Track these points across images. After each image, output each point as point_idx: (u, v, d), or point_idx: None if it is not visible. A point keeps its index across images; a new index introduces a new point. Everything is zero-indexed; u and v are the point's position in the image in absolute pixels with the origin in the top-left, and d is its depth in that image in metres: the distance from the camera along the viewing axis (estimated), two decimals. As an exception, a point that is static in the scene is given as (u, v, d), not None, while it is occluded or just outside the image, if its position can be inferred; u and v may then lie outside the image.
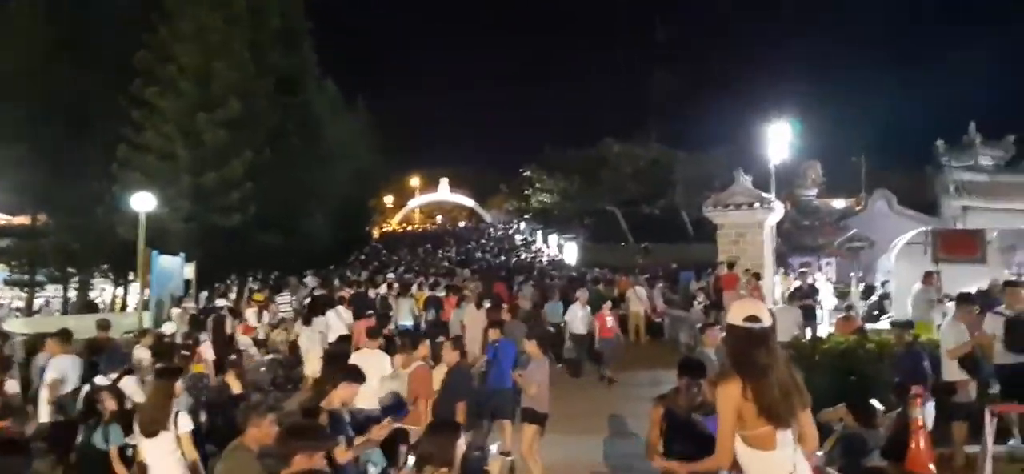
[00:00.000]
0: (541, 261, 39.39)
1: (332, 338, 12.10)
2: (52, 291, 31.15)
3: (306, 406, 5.93)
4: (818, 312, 16.08)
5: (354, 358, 8.06)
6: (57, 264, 29.19)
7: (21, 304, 29.56)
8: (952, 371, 8.41)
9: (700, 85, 63.15)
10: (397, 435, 6.12)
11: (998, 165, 20.54)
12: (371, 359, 8.15)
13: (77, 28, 26.86)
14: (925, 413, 7.44)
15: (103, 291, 33.14)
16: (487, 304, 13.90)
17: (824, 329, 15.00)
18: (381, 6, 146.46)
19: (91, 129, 26.72)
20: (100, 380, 7.85)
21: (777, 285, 18.60)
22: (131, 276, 24.75)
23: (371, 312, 14.18)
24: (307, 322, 13.59)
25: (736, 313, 3.89)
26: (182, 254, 22.17)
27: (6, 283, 29.73)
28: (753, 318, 3.81)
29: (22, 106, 26.52)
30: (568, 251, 43.87)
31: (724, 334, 4.49)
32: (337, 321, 13.44)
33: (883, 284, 18.95)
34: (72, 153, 26.76)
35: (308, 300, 17.24)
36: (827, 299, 18.46)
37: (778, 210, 19.62)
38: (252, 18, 29.10)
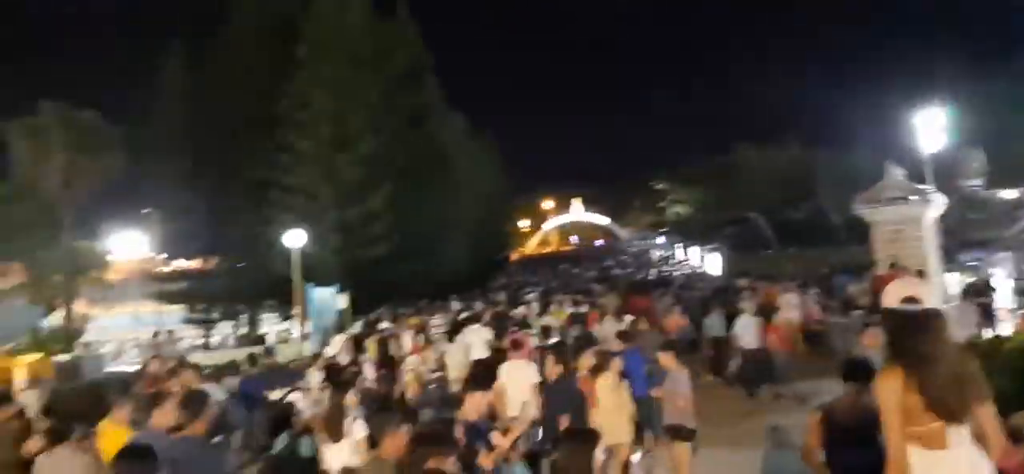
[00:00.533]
0: (681, 274, 38.22)
1: (474, 355, 12.13)
2: (225, 327, 33.95)
3: (439, 418, 5.91)
4: (996, 310, 14.42)
5: (503, 370, 8.23)
6: (227, 302, 31.79)
7: (202, 341, 32.41)
8: None
9: (840, 79, 59.48)
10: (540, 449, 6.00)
11: None
12: (518, 370, 8.25)
13: (221, 82, 29.46)
14: None
15: (271, 325, 35.70)
16: (628, 318, 13.44)
17: (1005, 329, 13.47)
18: (502, 38, 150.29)
19: (239, 176, 29.06)
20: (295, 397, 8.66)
21: (948, 284, 16.95)
22: (293, 310, 26.53)
23: (515, 328, 13.97)
24: (451, 339, 14.00)
25: (892, 295, 3.45)
26: (336, 285, 23.39)
27: (185, 322, 32.72)
28: (911, 299, 3.37)
29: (180, 159, 29.48)
30: (711, 262, 42.18)
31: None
32: (477, 338, 13.40)
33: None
34: (225, 199, 29.25)
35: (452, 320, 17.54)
36: (1005, 295, 16.56)
37: (938, 202, 18.12)
38: (378, 60, 30.70)
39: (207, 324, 32.38)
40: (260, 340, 30.70)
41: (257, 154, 28.58)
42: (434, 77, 39.58)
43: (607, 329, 13.03)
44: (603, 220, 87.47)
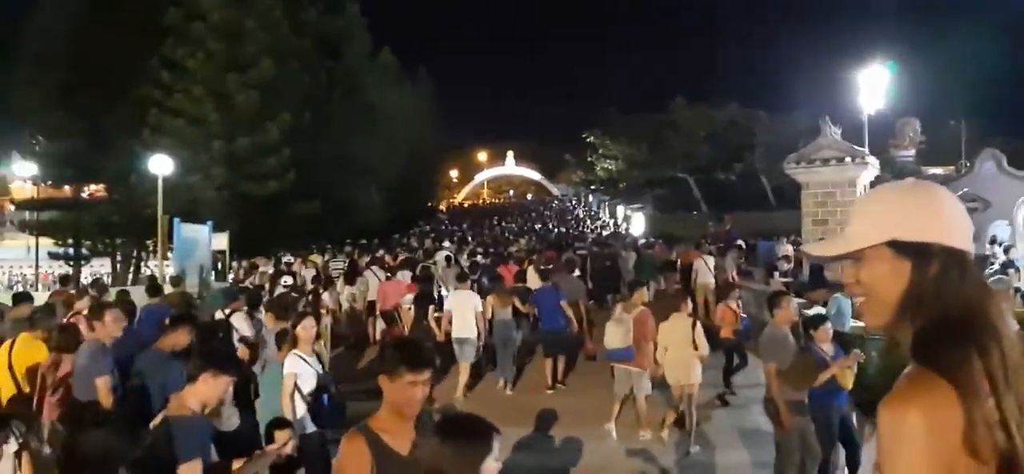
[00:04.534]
0: (598, 232, 36.85)
1: (371, 296, 13.35)
2: (102, 266, 30.61)
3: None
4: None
5: (449, 299, 10.17)
6: (100, 237, 28.45)
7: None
8: None
9: (781, 40, 58.65)
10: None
11: None
12: (463, 297, 9.86)
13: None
14: None
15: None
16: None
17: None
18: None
19: (126, 96, 25.60)
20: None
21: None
22: (152, 245, 23.55)
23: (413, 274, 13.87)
24: (350, 282, 14.37)
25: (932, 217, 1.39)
26: (210, 222, 20.65)
27: (51, 256, 29.28)
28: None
29: (57, 73, 25.78)
30: (635, 222, 40.94)
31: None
32: (374, 281, 13.92)
33: (1006, 250, 15.77)
34: (108, 121, 25.76)
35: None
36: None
37: (874, 166, 17.00)
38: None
39: (75, 260, 28.95)
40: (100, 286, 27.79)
41: (147, 71, 25.20)
42: (357, 5, 36.63)
43: (532, 276, 12.83)
44: (535, 175, 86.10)
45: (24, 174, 32.88)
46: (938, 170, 33.74)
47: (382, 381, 2.74)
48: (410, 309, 11.18)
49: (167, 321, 5.94)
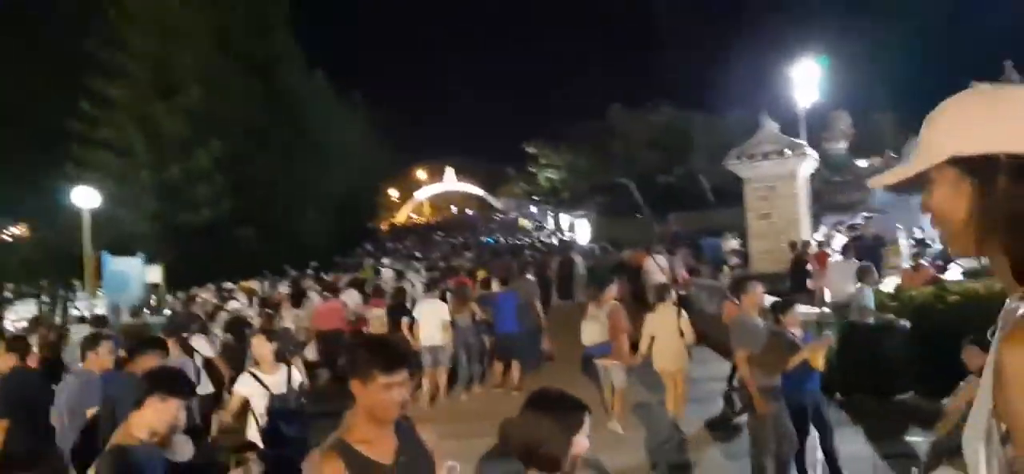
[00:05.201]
0: (543, 242, 36.90)
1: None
2: (23, 308, 28.87)
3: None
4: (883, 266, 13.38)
5: (418, 307, 10.30)
6: (23, 278, 26.87)
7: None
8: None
9: (714, 42, 59.92)
10: None
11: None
12: (431, 306, 10.09)
13: (23, 21, 24.45)
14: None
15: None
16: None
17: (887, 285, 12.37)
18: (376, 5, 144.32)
19: (47, 131, 24.32)
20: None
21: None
22: (78, 282, 22.37)
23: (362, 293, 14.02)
24: (296, 304, 13.99)
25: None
26: (141, 255, 19.75)
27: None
28: None
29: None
30: (580, 229, 41.07)
31: None
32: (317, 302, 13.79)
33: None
34: (29, 158, 24.39)
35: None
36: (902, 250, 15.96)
37: (812, 158, 17.45)
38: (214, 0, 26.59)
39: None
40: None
41: (66, 103, 23.94)
42: (290, 28, 35.82)
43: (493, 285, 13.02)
44: (477, 190, 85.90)
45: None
46: (864, 162, 34.99)
47: (354, 386, 2.47)
48: (383, 324, 11.05)
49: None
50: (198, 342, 7.72)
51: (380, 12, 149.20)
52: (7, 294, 27.44)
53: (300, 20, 36.61)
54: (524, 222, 55.45)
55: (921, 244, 15.93)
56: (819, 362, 6.03)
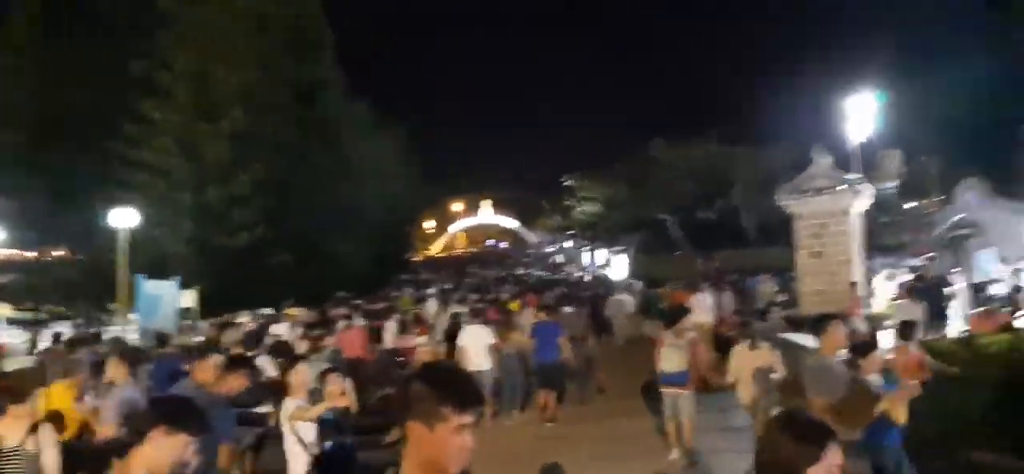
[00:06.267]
0: (576, 277, 36.25)
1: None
2: (64, 328, 29.01)
3: None
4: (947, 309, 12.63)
5: (462, 334, 10.45)
6: (60, 299, 27.02)
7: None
8: None
9: (764, 74, 59.04)
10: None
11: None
12: (476, 332, 10.33)
13: (77, 44, 24.94)
14: None
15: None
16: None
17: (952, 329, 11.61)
18: (422, 32, 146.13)
19: (91, 152, 24.59)
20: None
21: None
22: (113, 305, 22.35)
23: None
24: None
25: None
26: (177, 278, 19.58)
27: (9, 323, 27.71)
28: None
29: (22, 130, 24.73)
30: (617, 264, 40.25)
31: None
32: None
33: (1017, 273, 15.28)
34: (73, 179, 24.69)
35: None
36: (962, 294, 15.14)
37: (867, 194, 16.64)
38: (260, 23, 26.73)
39: (35, 325, 27.40)
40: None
41: (113, 125, 24.22)
42: (334, 54, 36.10)
43: (526, 317, 12.95)
44: (512, 223, 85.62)
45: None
46: (914, 203, 33.87)
47: (414, 430, 1.99)
48: (429, 352, 10.77)
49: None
50: (263, 362, 7.61)
51: (424, 44, 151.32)
52: (42, 314, 27.59)
53: (345, 47, 36.92)
54: (559, 257, 54.93)
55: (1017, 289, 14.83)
56: (902, 414, 5.36)
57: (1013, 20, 32.17)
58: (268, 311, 19.98)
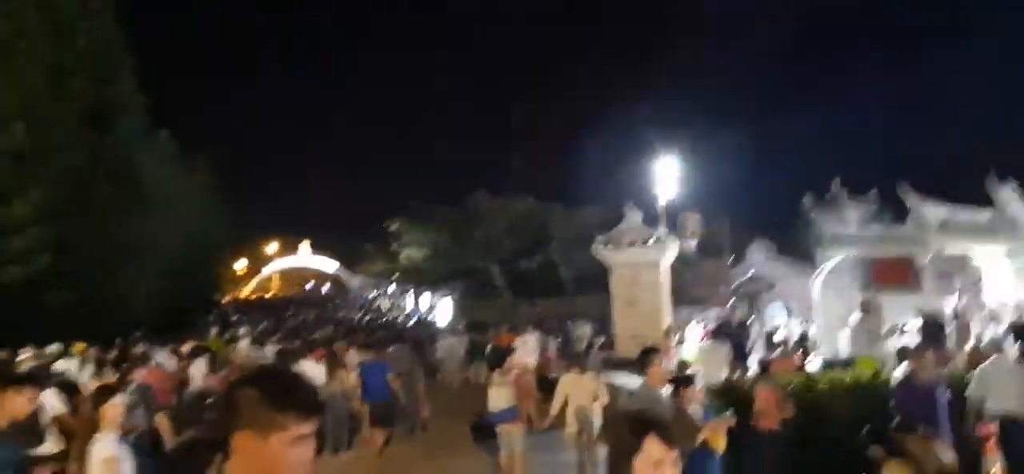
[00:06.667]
0: (400, 321, 35.92)
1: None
2: None
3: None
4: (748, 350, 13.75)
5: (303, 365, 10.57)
6: None
7: None
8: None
9: (572, 140, 62.80)
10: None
11: (863, 218, 19.57)
12: (309, 369, 10.48)
13: None
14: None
15: None
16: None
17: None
18: (235, 74, 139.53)
19: None
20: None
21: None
22: None
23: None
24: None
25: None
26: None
27: None
28: None
29: None
30: (442, 309, 40.41)
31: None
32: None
33: (804, 323, 17.00)
34: None
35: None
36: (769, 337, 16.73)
37: (673, 249, 18.19)
38: (50, 34, 24.01)
39: None
40: None
41: None
42: (133, 79, 33.18)
43: (351, 357, 12.92)
44: (332, 265, 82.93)
45: None
46: (712, 260, 37.22)
47: (242, 441, 1.70)
48: None
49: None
50: (48, 398, 6.73)
51: (240, 80, 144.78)
52: None
53: (149, 74, 34.22)
54: (383, 302, 54.13)
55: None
56: (721, 443, 5.58)
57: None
58: (55, 348, 17.67)
